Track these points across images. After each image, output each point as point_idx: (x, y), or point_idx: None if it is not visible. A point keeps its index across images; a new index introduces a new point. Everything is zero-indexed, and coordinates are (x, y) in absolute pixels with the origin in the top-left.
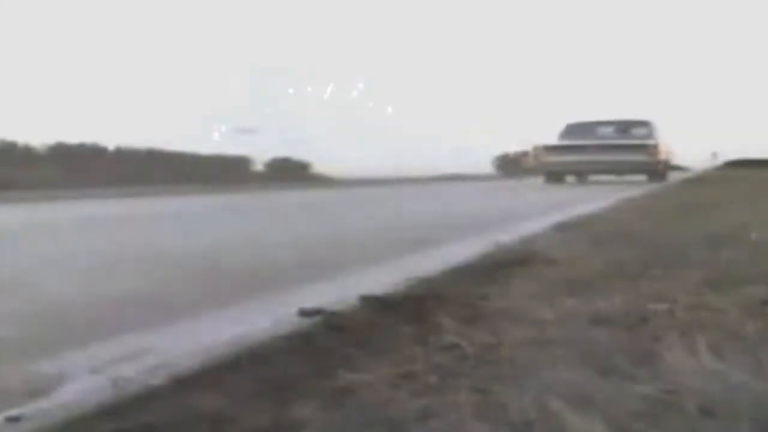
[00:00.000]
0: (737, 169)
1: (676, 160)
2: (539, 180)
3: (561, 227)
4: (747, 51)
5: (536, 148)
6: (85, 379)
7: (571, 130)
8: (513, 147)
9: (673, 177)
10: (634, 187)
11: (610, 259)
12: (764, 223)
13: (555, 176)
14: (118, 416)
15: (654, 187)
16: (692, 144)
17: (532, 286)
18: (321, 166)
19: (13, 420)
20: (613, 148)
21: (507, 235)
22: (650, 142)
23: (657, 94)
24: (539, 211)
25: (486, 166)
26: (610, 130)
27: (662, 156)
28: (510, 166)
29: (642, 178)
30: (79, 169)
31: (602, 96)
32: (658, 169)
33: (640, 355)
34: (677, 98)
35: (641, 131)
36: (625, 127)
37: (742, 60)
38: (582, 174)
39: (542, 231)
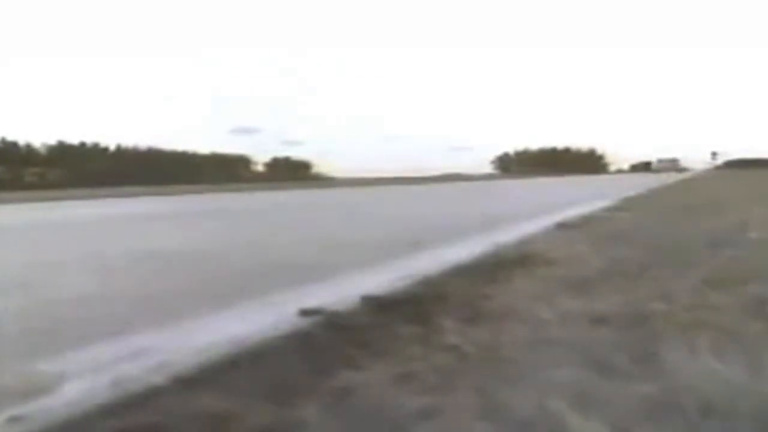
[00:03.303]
0: (737, 169)
1: (683, 164)
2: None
3: (561, 226)
4: (747, 51)
5: (653, 165)
6: (86, 379)
7: (659, 159)
8: (512, 147)
9: (674, 177)
10: (634, 189)
11: (610, 258)
12: (762, 223)
13: (656, 173)
14: (119, 415)
15: (654, 187)
16: (692, 144)
17: (534, 283)
18: (321, 165)
19: (15, 419)
20: (669, 166)
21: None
22: (678, 163)
23: (657, 94)
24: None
25: (484, 166)
26: (669, 159)
27: (681, 167)
28: (511, 165)
29: (648, 177)
30: (80, 168)
31: (602, 96)
32: (679, 170)
33: (639, 354)
34: (677, 98)
35: (676, 158)
36: (672, 159)
37: (742, 60)
38: (663, 172)
39: (544, 229)
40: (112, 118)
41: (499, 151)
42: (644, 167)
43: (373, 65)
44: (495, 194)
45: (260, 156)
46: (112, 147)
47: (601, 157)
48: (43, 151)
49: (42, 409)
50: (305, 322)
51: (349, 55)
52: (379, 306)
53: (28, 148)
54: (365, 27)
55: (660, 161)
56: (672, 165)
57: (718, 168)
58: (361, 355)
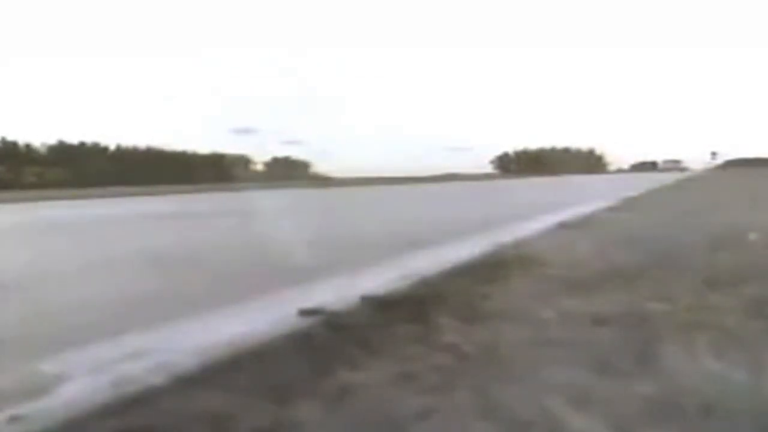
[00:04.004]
0: (736, 168)
1: (684, 164)
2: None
3: (561, 226)
4: (747, 51)
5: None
6: (86, 379)
7: (665, 160)
8: (512, 147)
9: (674, 176)
10: (634, 189)
11: (610, 258)
12: (761, 224)
13: (661, 172)
14: (119, 415)
15: (654, 187)
16: (692, 143)
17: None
18: (320, 165)
19: (14, 419)
20: (672, 166)
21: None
22: (680, 164)
23: (657, 94)
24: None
25: (483, 166)
26: (672, 160)
27: (683, 167)
28: (510, 165)
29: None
30: (79, 168)
31: (602, 96)
32: (681, 170)
33: (639, 355)
34: (677, 98)
35: (679, 160)
36: (676, 160)
37: (742, 60)
38: (667, 171)
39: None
40: (112, 118)
41: (499, 151)
42: (650, 167)
43: (373, 65)
44: (495, 194)
45: (260, 156)
46: (112, 147)
47: (600, 157)
48: (42, 150)
49: (42, 409)
50: (305, 322)
51: (349, 55)
52: (378, 306)
53: (28, 147)
54: (365, 27)
55: (665, 162)
56: (675, 165)
57: (717, 168)
58: (361, 354)
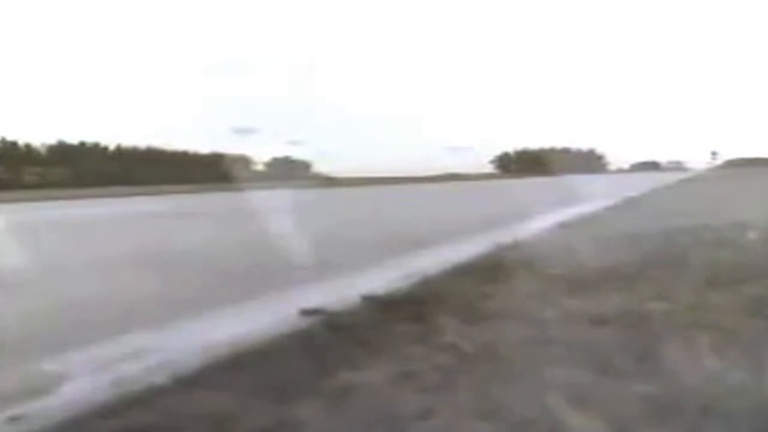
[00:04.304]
0: (737, 168)
1: (684, 165)
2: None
3: (563, 225)
4: (747, 51)
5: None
6: (86, 379)
7: (668, 161)
8: (512, 147)
9: (675, 177)
10: (635, 189)
11: (611, 257)
12: (761, 223)
13: (663, 171)
14: (119, 415)
15: (655, 187)
16: (692, 143)
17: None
18: (321, 165)
19: (15, 419)
20: (674, 166)
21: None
22: (681, 165)
23: (657, 94)
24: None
25: (483, 166)
26: (675, 161)
27: (684, 167)
28: (510, 165)
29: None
30: (79, 168)
31: (602, 96)
32: (683, 170)
33: (639, 354)
34: (677, 97)
35: (681, 161)
36: (678, 161)
37: (742, 60)
38: (669, 171)
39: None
40: (112, 118)
41: (499, 151)
42: (651, 167)
43: (373, 64)
44: (495, 194)
45: (260, 156)
46: (112, 147)
47: (600, 158)
48: (42, 150)
49: (42, 409)
50: (306, 322)
51: (349, 55)
52: (379, 306)
53: (28, 147)
54: (365, 26)
55: (669, 162)
56: (677, 166)
57: (718, 168)
58: (361, 354)
